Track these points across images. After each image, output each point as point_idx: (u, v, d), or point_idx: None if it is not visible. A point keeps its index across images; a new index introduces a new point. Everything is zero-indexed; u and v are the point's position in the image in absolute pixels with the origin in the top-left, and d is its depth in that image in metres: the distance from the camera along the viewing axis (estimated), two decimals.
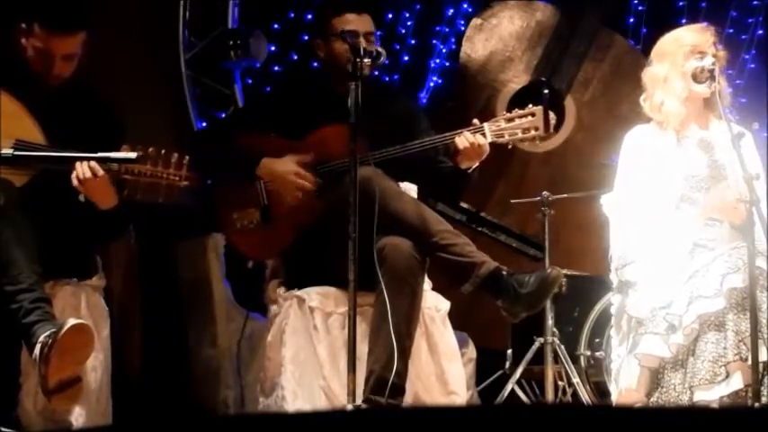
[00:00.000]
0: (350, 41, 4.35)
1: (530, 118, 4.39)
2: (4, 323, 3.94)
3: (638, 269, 4.37)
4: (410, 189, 4.61)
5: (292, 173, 4.46)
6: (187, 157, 4.11)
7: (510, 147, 4.45)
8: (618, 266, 4.45)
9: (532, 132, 4.39)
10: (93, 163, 4.06)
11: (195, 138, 5.68)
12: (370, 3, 4.81)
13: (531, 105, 4.43)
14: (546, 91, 4.67)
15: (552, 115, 4.40)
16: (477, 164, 4.45)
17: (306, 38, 6.73)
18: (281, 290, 4.53)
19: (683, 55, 4.47)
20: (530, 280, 4.21)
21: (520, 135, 4.39)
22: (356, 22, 4.60)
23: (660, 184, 4.47)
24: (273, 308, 4.53)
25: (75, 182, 4.07)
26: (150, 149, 4.07)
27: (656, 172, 4.49)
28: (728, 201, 4.35)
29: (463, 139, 4.36)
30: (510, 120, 4.41)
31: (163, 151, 4.09)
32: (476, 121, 4.42)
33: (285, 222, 4.47)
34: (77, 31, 4.25)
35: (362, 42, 4.48)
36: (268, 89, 6.38)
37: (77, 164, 4.07)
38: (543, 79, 6.68)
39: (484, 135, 4.37)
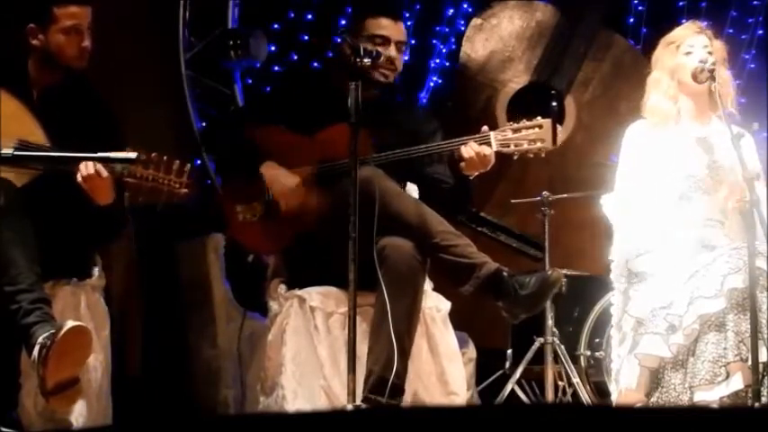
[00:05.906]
0: (350, 42, 4.34)
1: (537, 130, 4.30)
2: (3, 323, 3.94)
3: (650, 260, 4.36)
4: (411, 189, 4.60)
5: (292, 186, 4.44)
6: (188, 165, 4.11)
7: (515, 158, 4.40)
8: (630, 257, 4.43)
9: (538, 144, 4.30)
10: (99, 165, 4.06)
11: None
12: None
13: (539, 117, 4.36)
14: (554, 104, 4.61)
15: (560, 128, 4.36)
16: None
17: (305, 38, 6.75)
18: (282, 289, 4.53)
19: (669, 54, 4.52)
20: (530, 281, 4.21)
21: (526, 146, 4.31)
22: (390, 28, 4.59)
23: (659, 179, 4.47)
24: (274, 307, 4.53)
25: (79, 178, 4.07)
26: (153, 155, 4.07)
27: (655, 167, 4.49)
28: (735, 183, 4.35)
29: (469, 149, 4.30)
30: (517, 130, 4.33)
31: (165, 157, 4.09)
32: (485, 128, 4.36)
33: (288, 219, 4.46)
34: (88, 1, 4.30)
35: (392, 50, 4.50)
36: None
37: (82, 163, 4.07)
38: (543, 79, 6.68)
39: (489, 144, 4.34)
